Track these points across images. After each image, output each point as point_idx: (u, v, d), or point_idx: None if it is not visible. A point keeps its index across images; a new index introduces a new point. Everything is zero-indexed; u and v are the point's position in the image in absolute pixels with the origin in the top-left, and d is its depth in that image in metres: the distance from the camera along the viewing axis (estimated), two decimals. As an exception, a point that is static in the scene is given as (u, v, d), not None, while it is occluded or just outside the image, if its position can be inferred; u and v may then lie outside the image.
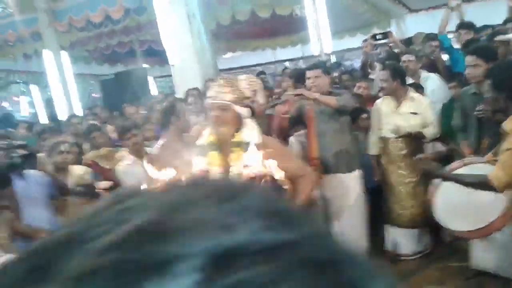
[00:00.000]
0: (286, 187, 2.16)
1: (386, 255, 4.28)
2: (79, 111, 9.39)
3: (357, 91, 4.95)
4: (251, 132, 2.44)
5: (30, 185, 3.23)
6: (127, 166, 3.61)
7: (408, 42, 6.45)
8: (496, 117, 3.05)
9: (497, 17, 7.84)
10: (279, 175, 2.17)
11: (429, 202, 2.74)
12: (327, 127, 3.99)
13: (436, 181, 2.73)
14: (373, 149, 4.34)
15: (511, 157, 2.26)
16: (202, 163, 2.45)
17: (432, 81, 4.75)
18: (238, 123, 2.45)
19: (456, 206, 2.58)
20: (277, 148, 2.47)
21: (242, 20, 10.48)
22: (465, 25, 5.31)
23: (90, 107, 8.87)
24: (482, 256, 3.37)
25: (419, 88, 4.46)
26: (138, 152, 3.67)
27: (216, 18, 9.95)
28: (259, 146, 2.35)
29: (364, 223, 4.18)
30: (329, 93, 3.98)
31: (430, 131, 4.07)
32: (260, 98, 2.61)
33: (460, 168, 2.61)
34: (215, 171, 2.40)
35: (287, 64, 15.39)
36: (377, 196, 4.40)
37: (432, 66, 4.92)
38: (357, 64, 9.67)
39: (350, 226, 3.99)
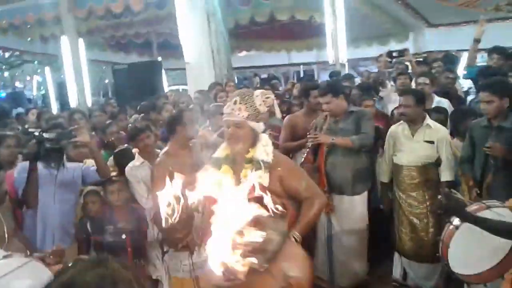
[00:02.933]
0: (281, 209, 2.11)
1: (393, 283, 4.18)
2: (88, 96, 9.49)
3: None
4: (264, 148, 2.43)
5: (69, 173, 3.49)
6: (135, 168, 3.67)
7: (423, 62, 6.44)
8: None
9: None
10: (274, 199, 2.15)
11: (443, 242, 2.64)
12: (339, 151, 3.96)
13: (455, 221, 2.60)
14: (384, 176, 4.17)
15: None
16: (216, 175, 2.44)
17: (443, 106, 4.71)
18: (252, 138, 2.46)
19: (471, 251, 2.50)
20: (287, 167, 2.49)
21: (261, 21, 10.52)
22: (497, 50, 5.22)
23: (101, 103, 8.90)
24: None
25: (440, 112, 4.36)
26: (149, 154, 3.73)
27: (236, 18, 9.99)
28: (270, 166, 2.39)
29: (365, 245, 4.14)
30: (349, 113, 3.97)
31: (447, 176, 3.84)
32: (277, 113, 2.63)
33: (483, 211, 2.52)
34: (227, 182, 2.34)
35: (301, 69, 15.41)
36: (382, 217, 4.38)
37: (446, 94, 4.90)
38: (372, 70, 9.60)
39: (351, 248, 4.01)
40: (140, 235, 3.51)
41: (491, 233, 2.36)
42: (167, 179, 2.03)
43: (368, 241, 4.24)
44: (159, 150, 3.72)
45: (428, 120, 3.96)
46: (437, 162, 3.91)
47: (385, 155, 4.15)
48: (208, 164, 2.56)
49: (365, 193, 4.09)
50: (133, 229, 3.47)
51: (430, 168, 3.92)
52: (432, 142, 3.87)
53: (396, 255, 4.21)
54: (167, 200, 1.99)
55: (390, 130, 4.13)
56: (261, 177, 2.35)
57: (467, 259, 2.53)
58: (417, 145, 3.92)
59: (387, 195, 4.17)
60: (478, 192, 3.50)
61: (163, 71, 9.98)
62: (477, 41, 5.33)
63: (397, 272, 4.24)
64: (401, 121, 4.09)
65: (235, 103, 2.40)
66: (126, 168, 3.70)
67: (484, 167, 3.47)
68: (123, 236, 3.43)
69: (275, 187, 2.37)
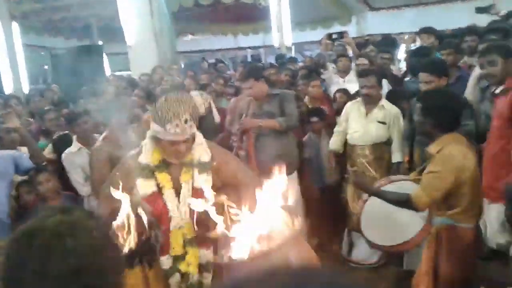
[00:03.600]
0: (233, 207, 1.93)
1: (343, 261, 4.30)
2: (25, 83, 9.05)
3: (311, 90, 5.04)
4: (200, 147, 2.34)
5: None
6: (72, 154, 3.56)
7: (364, 44, 6.61)
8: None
9: (458, 21, 8.10)
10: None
11: (356, 216, 2.84)
12: (266, 133, 3.97)
13: (364, 196, 2.83)
14: (335, 145, 4.24)
15: (432, 180, 2.40)
16: (151, 185, 2.30)
17: (383, 85, 4.86)
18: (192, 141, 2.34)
19: (379, 221, 2.70)
20: (222, 159, 2.41)
21: (205, 4, 10.37)
22: (425, 30, 5.45)
23: (41, 88, 8.51)
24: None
25: None
26: (86, 140, 3.62)
27: (179, 1, 9.80)
28: (209, 164, 2.32)
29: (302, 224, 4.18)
30: (272, 96, 3.98)
31: (397, 157, 3.93)
32: (216, 116, 2.51)
33: (386, 185, 2.72)
34: (167, 193, 2.32)
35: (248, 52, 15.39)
36: (332, 195, 4.51)
37: (382, 74, 5.05)
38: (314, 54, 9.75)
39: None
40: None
41: (394, 205, 2.56)
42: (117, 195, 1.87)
43: (319, 219, 4.34)
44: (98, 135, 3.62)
45: (383, 101, 4.02)
46: (389, 142, 4.01)
47: (338, 128, 4.21)
48: (135, 169, 2.33)
49: (295, 173, 4.14)
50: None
51: (381, 147, 4.00)
52: (384, 123, 3.94)
53: (345, 231, 4.34)
54: (119, 224, 1.85)
55: (346, 105, 4.19)
56: (207, 180, 2.28)
57: (384, 231, 2.69)
58: (370, 125, 3.97)
59: (336, 165, 4.23)
60: (408, 167, 3.68)
61: (104, 55, 9.65)
62: (408, 52, 5.56)
63: (344, 248, 4.38)
64: (358, 99, 4.14)
65: (186, 121, 2.18)
66: (63, 155, 3.59)
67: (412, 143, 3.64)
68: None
69: (214, 182, 2.32)
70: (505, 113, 3.09)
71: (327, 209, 4.49)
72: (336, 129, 4.27)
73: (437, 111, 2.50)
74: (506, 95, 3.11)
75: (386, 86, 4.90)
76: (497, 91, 3.22)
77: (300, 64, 7.54)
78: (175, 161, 2.33)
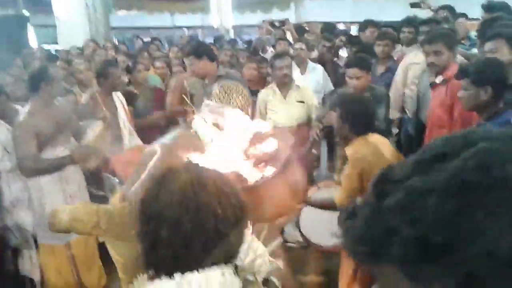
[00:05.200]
0: None
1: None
2: None
3: (246, 72, 4.99)
4: None
5: None
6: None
7: (302, 30, 6.67)
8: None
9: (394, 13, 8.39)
10: None
11: (296, 223, 2.92)
12: None
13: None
14: None
15: (347, 181, 2.58)
16: None
17: (317, 72, 4.92)
18: None
19: (316, 225, 2.82)
20: None
21: (141, -22, 9.96)
22: (369, 22, 5.55)
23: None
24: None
25: None
26: (3, 113, 3.30)
27: (113, -27, 9.33)
28: None
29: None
30: (218, 77, 3.74)
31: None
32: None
33: (315, 193, 2.89)
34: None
35: (185, 31, 15.04)
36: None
37: (321, 62, 5.12)
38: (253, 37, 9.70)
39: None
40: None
41: (324, 209, 2.74)
42: None
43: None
44: (19, 107, 3.34)
45: (297, 81, 4.10)
46: (309, 121, 4.05)
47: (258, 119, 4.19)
48: None
49: None
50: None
51: (304, 128, 4.02)
52: (303, 102, 4.00)
53: None
54: None
55: (259, 95, 4.12)
56: None
57: (323, 234, 2.75)
58: (291, 106, 4.00)
59: None
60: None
61: (30, 27, 9.00)
62: None
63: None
64: (270, 85, 4.15)
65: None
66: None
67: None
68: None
69: None
70: (446, 102, 3.18)
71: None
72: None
73: (352, 116, 2.65)
74: (445, 85, 3.21)
75: (322, 73, 4.96)
76: (437, 80, 3.31)
77: (240, 47, 7.47)
78: None
